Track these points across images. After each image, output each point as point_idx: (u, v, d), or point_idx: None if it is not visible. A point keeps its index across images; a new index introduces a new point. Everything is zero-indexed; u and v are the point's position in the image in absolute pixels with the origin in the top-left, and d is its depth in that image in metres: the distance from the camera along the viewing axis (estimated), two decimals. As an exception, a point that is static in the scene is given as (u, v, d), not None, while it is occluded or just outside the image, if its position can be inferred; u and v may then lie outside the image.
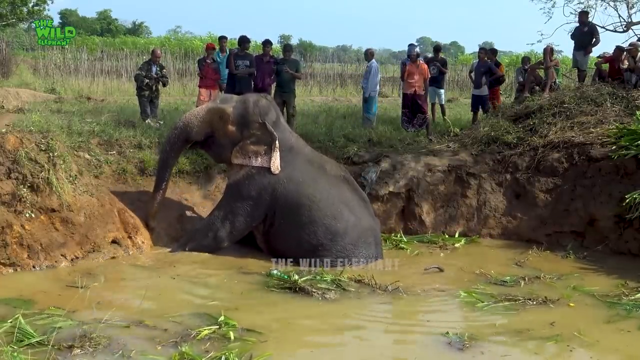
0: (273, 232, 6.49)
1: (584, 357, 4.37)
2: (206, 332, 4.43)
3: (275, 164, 6.47)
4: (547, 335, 4.65)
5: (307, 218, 6.36)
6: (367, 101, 10.43)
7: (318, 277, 5.70)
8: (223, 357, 4.03)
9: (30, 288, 5.21)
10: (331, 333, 4.77)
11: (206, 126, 6.67)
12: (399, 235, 7.38)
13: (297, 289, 5.41)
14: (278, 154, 6.48)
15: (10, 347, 3.93)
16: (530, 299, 5.37)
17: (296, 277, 5.57)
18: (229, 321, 4.63)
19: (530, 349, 4.52)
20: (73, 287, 5.20)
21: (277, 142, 6.47)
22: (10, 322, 4.30)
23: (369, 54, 10.74)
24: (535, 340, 4.62)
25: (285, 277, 5.62)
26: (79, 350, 4.05)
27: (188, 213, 7.20)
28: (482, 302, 5.34)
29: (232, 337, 4.38)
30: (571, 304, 5.35)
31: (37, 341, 4.10)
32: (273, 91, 10.05)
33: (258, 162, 6.52)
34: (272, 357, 4.16)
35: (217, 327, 4.53)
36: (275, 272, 5.78)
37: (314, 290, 5.39)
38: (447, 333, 4.61)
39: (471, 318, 5.10)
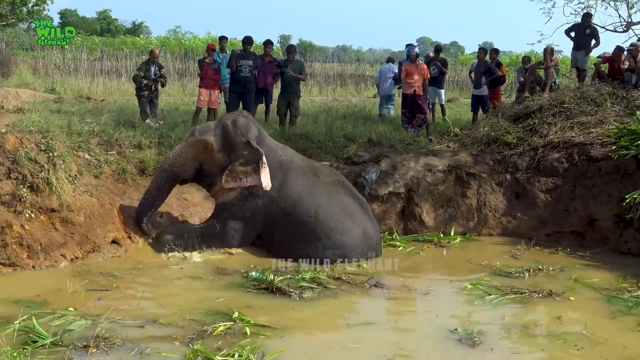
0: (276, 247, 6.41)
1: (593, 355, 4.38)
2: (221, 328, 4.46)
3: (266, 180, 6.34)
4: (554, 331, 4.69)
5: (313, 235, 6.32)
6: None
7: (298, 277, 5.67)
8: (236, 354, 4.07)
9: (42, 288, 5.20)
10: (341, 330, 4.79)
11: (193, 162, 6.57)
12: (394, 236, 7.35)
13: (274, 289, 5.38)
14: (267, 169, 6.36)
15: (25, 348, 3.97)
16: (535, 292, 5.45)
17: (271, 277, 5.54)
18: (244, 317, 4.66)
19: (538, 345, 4.54)
20: (82, 288, 5.21)
21: (264, 157, 6.36)
22: (18, 323, 4.32)
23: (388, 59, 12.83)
24: (543, 336, 4.65)
25: (263, 277, 5.59)
26: (94, 350, 4.06)
27: (188, 213, 7.20)
28: (489, 294, 5.41)
29: (249, 333, 4.43)
30: (571, 298, 5.42)
31: (51, 342, 4.10)
32: (275, 92, 10.08)
33: (249, 181, 6.41)
34: (285, 354, 4.19)
35: (232, 322, 4.57)
36: (253, 274, 5.72)
37: (291, 290, 5.36)
38: (456, 329, 4.63)
39: (480, 312, 5.15)
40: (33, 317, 4.38)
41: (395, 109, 12.07)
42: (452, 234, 7.49)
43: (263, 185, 6.34)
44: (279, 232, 6.42)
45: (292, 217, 6.38)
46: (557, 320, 4.89)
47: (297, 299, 5.24)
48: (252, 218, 6.45)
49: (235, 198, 6.48)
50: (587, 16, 10.55)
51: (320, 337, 4.69)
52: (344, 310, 5.22)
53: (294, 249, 6.28)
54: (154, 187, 6.61)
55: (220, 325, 4.50)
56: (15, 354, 3.77)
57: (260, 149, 6.41)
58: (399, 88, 12.19)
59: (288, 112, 9.73)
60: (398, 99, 11.81)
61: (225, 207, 6.53)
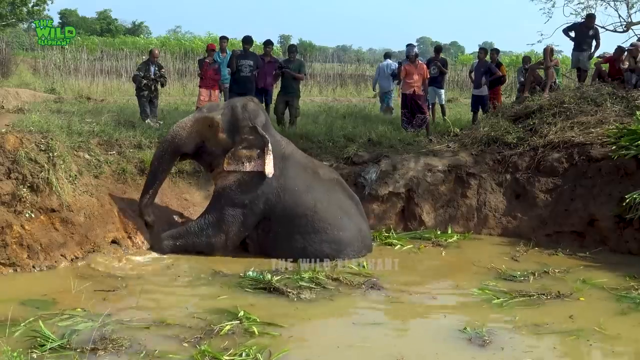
0: (271, 239, 6.43)
1: (605, 351, 4.42)
2: (228, 327, 4.47)
3: (269, 167, 6.37)
4: (566, 329, 4.71)
5: (311, 228, 6.35)
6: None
7: (296, 277, 5.67)
8: (243, 354, 4.07)
9: (52, 288, 5.21)
10: (348, 330, 4.78)
11: (196, 137, 6.56)
12: (390, 233, 7.35)
13: (272, 289, 5.36)
14: (271, 157, 6.39)
15: (32, 352, 3.98)
16: (544, 294, 5.46)
17: (269, 276, 5.53)
18: (249, 316, 4.66)
19: (550, 343, 4.57)
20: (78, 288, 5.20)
21: (269, 145, 6.40)
22: (24, 325, 4.35)
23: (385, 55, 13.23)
24: (554, 334, 4.68)
25: (260, 277, 5.57)
26: (102, 353, 4.06)
27: (188, 213, 7.20)
28: (497, 298, 5.42)
29: (257, 332, 4.44)
30: (581, 298, 5.43)
31: (59, 345, 4.10)
32: (275, 92, 10.06)
33: (252, 166, 6.43)
34: (292, 353, 4.19)
35: (238, 322, 4.57)
36: (250, 273, 5.71)
37: (289, 290, 5.33)
38: (465, 329, 4.64)
39: (488, 313, 5.16)
40: (40, 320, 4.37)
41: (395, 109, 12.07)
42: (449, 232, 7.48)
43: (266, 172, 6.36)
44: (275, 224, 6.42)
45: (291, 209, 6.40)
46: (569, 319, 4.91)
47: (295, 299, 5.22)
48: (251, 205, 6.43)
49: (234, 183, 6.47)
50: (590, 17, 10.44)
51: (327, 336, 4.69)
52: (348, 310, 5.24)
53: (291, 242, 6.31)
54: (156, 159, 6.64)
55: (227, 325, 4.51)
56: (15, 354, 3.77)
57: (266, 136, 6.43)
58: (398, 84, 12.25)
59: (288, 113, 9.72)
60: (397, 99, 11.82)
61: (223, 191, 6.51)
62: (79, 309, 4.75)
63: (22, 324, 4.36)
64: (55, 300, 4.96)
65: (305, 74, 10.90)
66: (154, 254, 6.37)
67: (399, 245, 6.99)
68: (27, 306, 4.79)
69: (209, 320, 4.65)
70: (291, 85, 9.72)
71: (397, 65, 11.59)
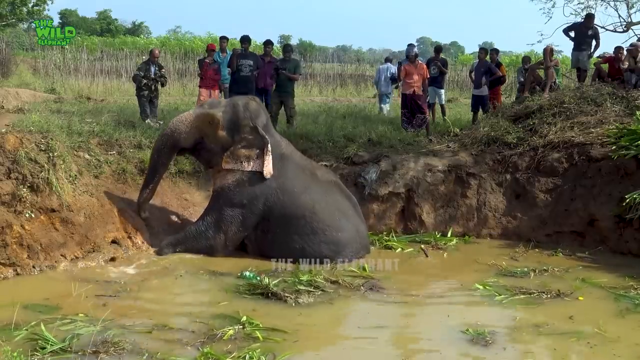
0: (269, 240, 6.42)
1: (605, 353, 4.41)
2: (231, 332, 4.44)
3: (268, 167, 6.38)
4: (567, 330, 4.72)
5: (309, 229, 6.34)
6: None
7: (293, 279, 5.62)
8: (247, 357, 4.06)
9: (54, 292, 5.19)
10: (351, 333, 4.78)
11: (195, 132, 6.55)
12: (390, 235, 7.35)
13: (270, 293, 5.29)
14: (271, 157, 6.40)
15: (34, 354, 3.97)
16: (544, 292, 5.48)
17: (266, 280, 5.46)
18: (252, 321, 4.64)
19: (551, 344, 4.57)
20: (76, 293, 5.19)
21: (269, 145, 6.41)
22: (26, 329, 4.34)
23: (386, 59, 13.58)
24: (555, 335, 4.67)
25: (257, 279, 5.51)
26: (104, 355, 4.04)
27: (188, 213, 7.20)
28: (499, 294, 5.44)
29: (261, 338, 4.40)
30: (580, 297, 5.44)
31: (60, 348, 4.09)
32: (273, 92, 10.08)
33: (250, 166, 6.44)
34: (297, 356, 4.18)
35: (241, 326, 4.55)
36: (247, 274, 5.66)
37: (286, 295, 5.24)
38: (468, 330, 4.64)
39: (490, 313, 5.17)
40: (41, 324, 4.37)
41: (395, 109, 12.08)
42: (449, 235, 7.46)
43: (264, 173, 6.37)
44: (274, 224, 6.41)
45: (289, 210, 6.38)
46: (569, 320, 4.92)
47: (293, 304, 5.16)
48: (250, 205, 6.42)
49: (232, 183, 6.46)
50: (589, 17, 10.44)
51: (332, 339, 4.68)
52: (350, 313, 5.22)
53: (289, 243, 6.30)
54: (155, 152, 6.65)
55: (230, 329, 4.48)
56: (15, 354, 3.77)
57: (266, 136, 6.44)
58: (396, 88, 12.32)
59: (284, 113, 9.72)
60: (397, 99, 11.83)
61: (222, 191, 6.50)
62: (80, 314, 4.72)
63: (24, 328, 4.35)
64: (58, 305, 4.93)
65: (300, 74, 10.90)
66: (154, 257, 6.35)
67: (399, 249, 6.97)
68: (30, 310, 4.78)
69: (210, 325, 4.63)
70: (285, 85, 9.70)
71: (396, 70, 11.60)
